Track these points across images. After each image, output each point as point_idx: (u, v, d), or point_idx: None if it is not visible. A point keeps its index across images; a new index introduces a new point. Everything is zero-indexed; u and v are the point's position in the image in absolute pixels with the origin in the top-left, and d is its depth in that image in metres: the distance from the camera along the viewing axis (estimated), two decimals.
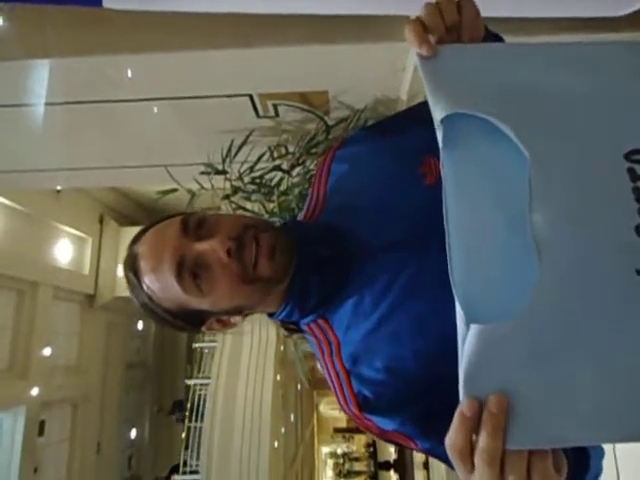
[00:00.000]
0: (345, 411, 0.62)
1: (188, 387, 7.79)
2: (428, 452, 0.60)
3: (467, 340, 0.41)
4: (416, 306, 0.59)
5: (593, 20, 1.35)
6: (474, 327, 0.41)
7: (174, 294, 0.61)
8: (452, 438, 0.40)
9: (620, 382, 0.40)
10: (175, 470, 7.60)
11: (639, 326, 0.41)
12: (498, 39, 0.67)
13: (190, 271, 0.59)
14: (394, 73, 1.73)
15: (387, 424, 0.60)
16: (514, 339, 0.41)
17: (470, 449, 0.39)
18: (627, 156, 0.46)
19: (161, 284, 0.61)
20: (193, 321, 0.66)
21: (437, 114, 0.48)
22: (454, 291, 0.44)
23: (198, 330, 0.67)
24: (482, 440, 0.38)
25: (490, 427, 0.38)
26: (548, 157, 0.46)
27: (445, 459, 0.51)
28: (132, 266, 0.63)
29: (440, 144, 0.48)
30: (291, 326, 0.70)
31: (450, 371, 0.48)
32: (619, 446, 1.99)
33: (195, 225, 0.62)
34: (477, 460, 0.38)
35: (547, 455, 0.39)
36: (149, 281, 0.62)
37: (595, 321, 0.41)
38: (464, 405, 0.39)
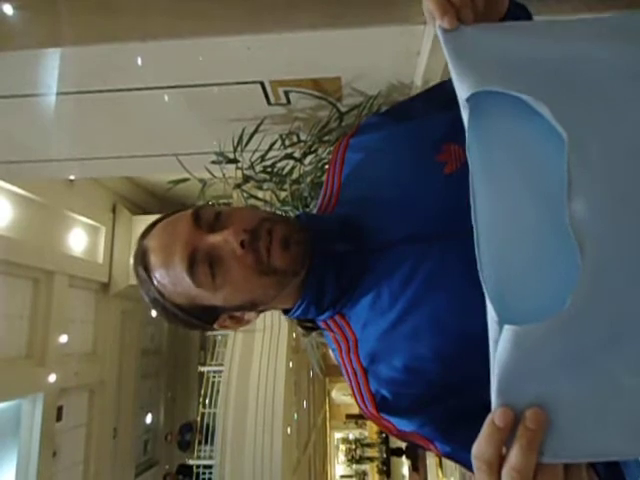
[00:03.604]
0: (363, 411, 0.60)
1: (202, 374, 7.89)
2: (448, 456, 0.57)
3: (500, 343, 0.37)
4: (436, 302, 0.56)
5: None
6: (508, 329, 0.37)
7: (186, 289, 0.58)
8: (480, 448, 0.37)
9: None
10: (183, 470, 7.74)
11: None
12: (523, 10, 0.63)
13: (202, 264, 0.57)
14: (408, 58, 1.68)
15: (406, 425, 0.58)
16: (553, 342, 0.37)
17: (499, 462, 0.36)
18: None
19: (172, 278, 0.58)
20: (205, 317, 0.63)
21: (463, 92, 0.43)
22: (484, 288, 0.40)
23: (210, 327, 0.65)
24: (514, 455, 0.35)
25: (525, 442, 0.35)
26: (586, 138, 0.40)
27: (467, 465, 0.48)
28: (142, 260, 0.61)
29: (466, 125, 0.43)
30: (307, 324, 0.68)
31: (473, 372, 0.45)
32: None
33: (208, 218, 0.59)
34: (505, 476, 0.35)
35: (582, 474, 0.36)
36: (160, 276, 0.59)
37: None
38: (497, 414, 0.36)
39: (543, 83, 0.43)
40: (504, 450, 0.36)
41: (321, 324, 0.65)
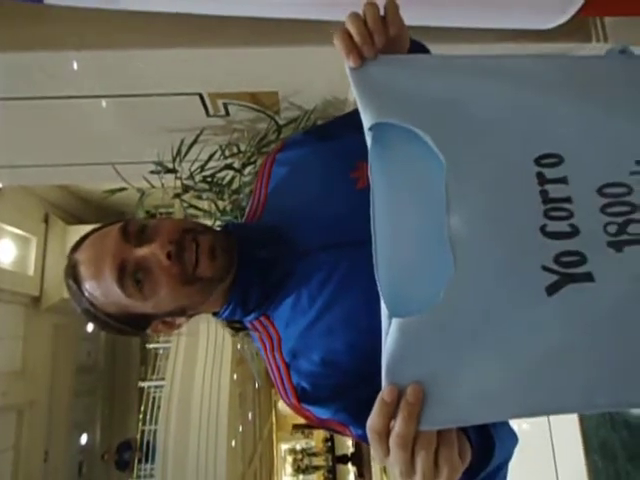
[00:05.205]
0: (285, 402, 0.65)
1: (142, 390, 7.61)
2: (361, 438, 0.63)
3: (389, 333, 0.45)
4: (349, 302, 0.63)
5: (523, 31, 1.44)
6: (395, 321, 0.45)
7: (116, 299, 0.62)
8: (372, 421, 0.43)
9: (516, 371, 0.44)
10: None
11: (540, 317, 0.45)
12: (423, 49, 0.72)
13: (131, 276, 0.61)
14: (342, 76, 1.75)
15: (323, 413, 0.64)
16: (429, 331, 0.45)
17: (387, 433, 0.43)
18: (537, 161, 0.50)
19: (102, 290, 0.62)
20: (137, 325, 0.67)
21: (366, 122, 0.51)
22: (379, 288, 0.47)
23: (143, 333, 0.68)
24: (398, 425, 0.42)
25: (406, 413, 0.42)
26: (464, 163, 0.49)
27: None
28: (72, 273, 0.64)
29: (369, 148, 0.51)
30: (235, 325, 0.73)
31: (380, 364, 0.52)
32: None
33: (135, 231, 0.63)
34: (391, 443, 0.42)
35: (453, 442, 0.43)
36: (90, 287, 0.62)
37: (501, 313, 0.45)
38: (385, 392, 0.43)
39: (432, 115, 0.52)
40: (392, 423, 0.43)
41: (248, 325, 0.70)
